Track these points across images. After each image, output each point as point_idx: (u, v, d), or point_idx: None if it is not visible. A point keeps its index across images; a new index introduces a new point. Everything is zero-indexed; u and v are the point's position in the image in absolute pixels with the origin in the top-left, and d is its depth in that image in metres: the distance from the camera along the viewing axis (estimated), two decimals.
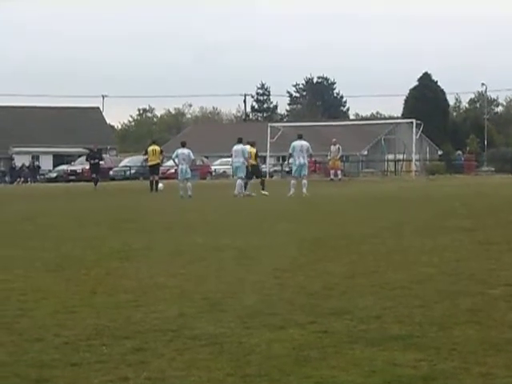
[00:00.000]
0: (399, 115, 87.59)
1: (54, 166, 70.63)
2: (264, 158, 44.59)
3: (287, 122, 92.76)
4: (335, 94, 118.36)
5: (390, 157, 64.64)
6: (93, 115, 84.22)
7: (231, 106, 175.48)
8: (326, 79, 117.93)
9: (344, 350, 5.99)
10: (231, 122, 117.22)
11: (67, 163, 67.72)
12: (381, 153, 67.26)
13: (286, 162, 54.90)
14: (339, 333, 6.54)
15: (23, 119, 78.67)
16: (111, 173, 59.00)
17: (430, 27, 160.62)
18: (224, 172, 58.32)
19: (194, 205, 24.54)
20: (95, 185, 38.48)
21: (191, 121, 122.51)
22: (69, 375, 5.57)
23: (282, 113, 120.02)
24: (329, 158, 45.91)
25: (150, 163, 35.28)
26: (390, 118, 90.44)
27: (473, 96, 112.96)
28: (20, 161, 69.02)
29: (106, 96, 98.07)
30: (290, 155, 29.70)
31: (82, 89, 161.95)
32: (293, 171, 30.07)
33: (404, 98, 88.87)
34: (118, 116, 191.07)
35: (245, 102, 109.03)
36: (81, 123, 79.95)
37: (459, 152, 66.74)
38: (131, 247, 12.58)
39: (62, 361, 5.88)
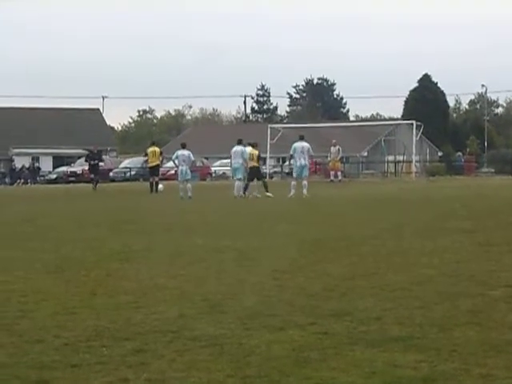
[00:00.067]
0: (399, 116, 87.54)
1: (54, 167, 70.60)
2: (264, 160, 44.48)
3: (287, 123, 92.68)
4: (335, 96, 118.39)
5: (390, 158, 64.63)
6: (93, 116, 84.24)
7: (231, 108, 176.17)
8: (326, 80, 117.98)
9: (344, 352, 5.99)
10: (231, 123, 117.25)
11: (67, 164, 67.69)
12: (381, 154, 67.26)
13: (286, 163, 54.93)
14: (339, 334, 6.54)
15: (23, 120, 78.68)
16: (111, 174, 58.98)
17: (430, 29, 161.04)
18: (224, 173, 58.28)
19: (194, 206, 24.54)
20: (95, 186, 38.44)
21: (191, 122, 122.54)
22: (69, 376, 5.57)
23: (282, 114, 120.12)
24: (329, 159, 45.90)
25: (149, 164, 35.29)
26: (390, 119, 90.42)
27: (473, 97, 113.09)
28: (20, 162, 68.98)
29: (106, 97, 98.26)
30: (291, 156, 29.72)
31: (82, 90, 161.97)
32: (293, 172, 30.08)
33: (404, 99, 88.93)
34: (118, 117, 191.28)
35: (245, 103, 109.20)
36: (81, 124, 79.98)
37: (459, 153, 66.71)
38: (131, 248, 12.58)
39: (62, 362, 5.88)
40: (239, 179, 29.50)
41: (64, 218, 19.83)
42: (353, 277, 9.41)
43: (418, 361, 5.69)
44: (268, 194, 28.43)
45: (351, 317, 7.14)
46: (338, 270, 9.90)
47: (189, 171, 30.35)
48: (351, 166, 64.41)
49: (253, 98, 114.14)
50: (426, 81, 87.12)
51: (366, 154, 75.39)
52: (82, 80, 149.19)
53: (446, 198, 25.28)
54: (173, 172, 43.60)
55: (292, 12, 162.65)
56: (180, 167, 30.23)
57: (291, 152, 29.60)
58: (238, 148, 29.99)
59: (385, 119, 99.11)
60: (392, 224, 16.04)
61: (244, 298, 8.16)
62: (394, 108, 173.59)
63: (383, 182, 46.95)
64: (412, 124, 55.66)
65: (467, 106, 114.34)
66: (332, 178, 44.24)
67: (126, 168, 62.14)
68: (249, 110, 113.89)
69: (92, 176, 40.10)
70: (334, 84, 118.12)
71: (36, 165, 69.48)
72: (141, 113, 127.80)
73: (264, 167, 46.81)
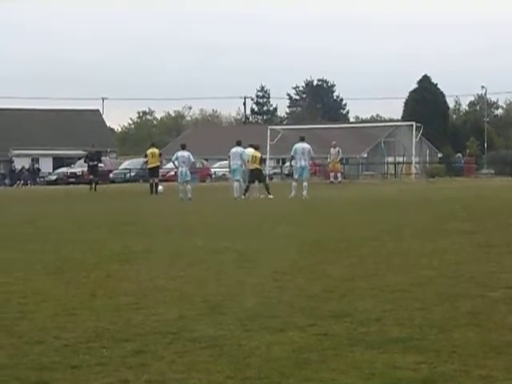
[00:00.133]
0: (399, 118, 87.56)
1: (54, 168, 70.62)
2: (264, 161, 44.51)
3: (287, 124, 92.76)
4: (335, 97, 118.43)
5: (390, 159, 64.66)
6: (93, 118, 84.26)
7: (231, 109, 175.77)
8: (326, 82, 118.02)
9: (344, 353, 5.99)
10: (231, 124, 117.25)
11: (67, 166, 67.71)
12: (381, 155, 67.28)
13: (285, 165, 54.95)
14: (339, 335, 6.54)
15: (23, 122, 78.69)
16: (111, 175, 59.00)
17: (430, 30, 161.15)
18: (224, 175, 58.26)
19: (194, 207, 24.54)
20: (94, 188, 38.40)
21: (191, 123, 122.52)
22: (69, 378, 5.57)
23: (282, 115, 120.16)
24: (329, 160, 45.91)
25: (149, 166, 35.30)
26: (390, 120, 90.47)
27: (473, 99, 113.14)
28: (20, 163, 69.01)
29: (106, 98, 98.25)
30: (292, 157, 29.74)
31: (82, 91, 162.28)
32: (294, 173, 30.11)
33: (404, 100, 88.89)
34: (117, 119, 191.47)
35: (244, 104, 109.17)
36: (81, 126, 79.99)
37: (459, 155, 66.68)
38: (131, 250, 12.59)
39: (62, 363, 5.88)
40: (238, 180, 29.52)
41: (64, 220, 19.82)
42: (353, 278, 9.41)
43: (417, 362, 5.70)
44: (269, 196, 28.42)
45: (351, 318, 7.15)
46: (338, 272, 9.90)
47: (188, 172, 30.34)
48: (351, 168, 64.38)
49: (252, 99, 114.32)
50: (425, 82, 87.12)
51: (365, 155, 75.40)
52: (82, 81, 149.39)
53: (446, 199, 25.28)
54: (172, 173, 43.61)
55: (292, 13, 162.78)
56: (180, 168, 30.22)
57: (292, 153, 29.63)
58: (237, 149, 30.00)
59: (385, 120, 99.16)
60: (392, 225, 16.05)
61: (244, 300, 8.16)
62: (393, 109, 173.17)
63: (383, 183, 46.96)
64: (412, 125, 55.68)
65: (467, 108, 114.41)
66: (332, 179, 44.25)
67: (126, 169, 62.15)
68: (248, 112, 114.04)
69: (91, 177, 40.10)
70: (333, 85, 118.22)
71: (36, 166, 69.52)
72: (140, 114, 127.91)
73: (264, 168, 46.77)
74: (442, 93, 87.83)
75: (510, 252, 11.44)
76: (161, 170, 38.17)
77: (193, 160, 32.04)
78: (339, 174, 45.43)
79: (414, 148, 54.06)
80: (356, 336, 6.51)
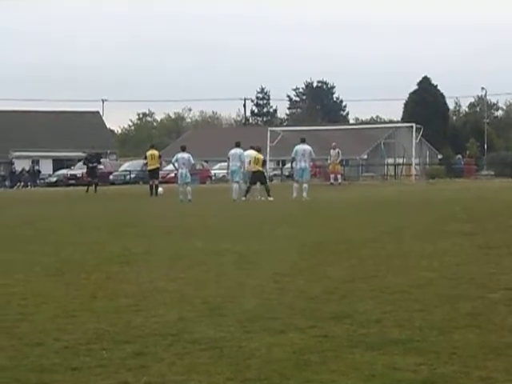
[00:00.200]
0: (399, 119, 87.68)
1: (54, 170, 70.69)
2: (264, 162, 44.54)
3: (287, 126, 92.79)
4: (335, 98, 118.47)
5: (390, 161, 64.69)
6: (93, 119, 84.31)
7: (231, 111, 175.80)
8: (326, 83, 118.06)
9: (344, 354, 5.99)
10: (231, 126, 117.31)
11: (67, 167, 67.76)
12: (380, 157, 67.30)
13: (286, 166, 54.93)
14: (339, 337, 6.54)
15: (23, 123, 78.72)
16: (111, 177, 59.04)
17: (430, 31, 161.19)
18: (224, 176, 58.25)
19: (194, 209, 24.54)
20: (95, 189, 38.32)
21: (191, 125, 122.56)
22: (69, 380, 5.57)
23: (282, 117, 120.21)
24: (329, 162, 45.94)
25: (149, 168, 35.30)
26: (390, 122, 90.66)
27: (472, 100, 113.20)
28: (20, 165, 69.06)
29: (106, 100, 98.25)
30: (293, 159, 29.76)
31: (82, 93, 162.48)
32: (294, 175, 30.13)
33: (404, 102, 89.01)
34: (117, 120, 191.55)
35: (244, 106, 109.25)
36: (81, 127, 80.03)
37: (459, 156, 66.72)
38: (131, 252, 12.59)
39: (63, 365, 5.89)
40: (237, 182, 29.53)
41: (64, 221, 19.83)
42: (353, 280, 9.41)
43: (417, 364, 5.70)
44: (269, 198, 28.45)
45: (351, 319, 7.15)
46: (338, 273, 9.90)
47: (189, 174, 30.35)
48: (351, 169, 64.41)
49: (252, 100, 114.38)
50: (425, 83, 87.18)
51: (365, 156, 75.42)
52: (82, 83, 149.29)
53: (446, 200, 25.28)
54: (172, 175, 43.60)
55: (292, 14, 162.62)
56: (180, 170, 30.23)
57: (293, 154, 29.68)
58: (236, 150, 30.03)
59: (384, 122, 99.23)
60: (392, 227, 16.05)
61: (244, 301, 8.16)
62: (393, 111, 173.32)
63: (383, 184, 46.96)
64: (412, 127, 55.75)
65: (467, 109, 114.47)
66: (332, 180, 44.26)
67: (126, 171, 62.17)
68: (248, 113, 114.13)
69: (89, 179, 40.06)
70: (333, 87, 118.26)
71: (36, 168, 69.53)
72: (140, 116, 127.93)
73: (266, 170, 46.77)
74: (441, 94, 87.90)
75: (510, 253, 11.44)
76: (161, 172, 38.18)
77: (193, 162, 32.04)
78: (339, 176, 45.45)
79: (413, 149, 54.12)
80: (356, 337, 6.51)
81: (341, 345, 6.28)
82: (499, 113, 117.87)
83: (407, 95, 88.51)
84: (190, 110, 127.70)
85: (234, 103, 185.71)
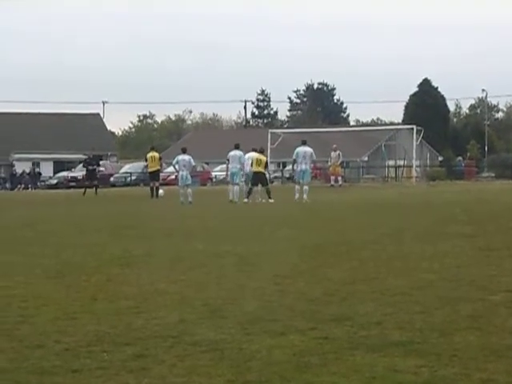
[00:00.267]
0: (400, 121, 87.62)
1: (55, 172, 70.68)
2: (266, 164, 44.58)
3: (287, 128, 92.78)
4: (335, 100, 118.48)
5: (391, 163, 64.58)
6: (93, 121, 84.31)
7: (232, 113, 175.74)
8: (326, 85, 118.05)
9: (345, 356, 5.99)
10: (231, 128, 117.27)
11: (68, 170, 67.76)
12: (381, 159, 67.25)
13: (286, 168, 54.92)
14: (340, 339, 6.54)
15: (24, 126, 78.76)
16: (112, 179, 59.03)
17: (431, 33, 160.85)
18: (224, 178, 58.29)
19: (195, 211, 24.54)
20: (95, 191, 38.31)
21: (191, 127, 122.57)
22: (69, 382, 5.57)
23: (283, 119, 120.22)
24: (329, 164, 45.94)
25: (149, 170, 35.31)
26: (391, 124, 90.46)
27: (473, 102, 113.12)
28: (21, 167, 69.05)
29: (107, 102, 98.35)
30: (294, 161, 29.76)
31: (83, 95, 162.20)
32: (295, 177, 30.13)
33: (404, 104, 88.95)
34: (118, 122, 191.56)
35: (245, 108, 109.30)
36: (81, 129, 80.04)
37: (460, 158, 66.74)
38: (132, 254, 12.59)
39: (63, 367, 5.88)
40: (237, 184, 29.52)
41: (64, 223, 19.83)
42: (353, 281, 9.41)
43: (418, 366, 5.69)
44: (270, 200, 28.45)
45: (352, 321, 7.15)
46: (339, 275, 9.90)
47: (189, 176, 30.36)
48: (351, 171, 64.33)
49: (253, 102, 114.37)
50: (426, 85, 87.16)
51: (366, 158, 75.35)
52: (83, 85, 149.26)
53: (447, 202, 25.27)
54: (173, 177, 43.61)
55: (292, 14, 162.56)
56: (180, 172, 30.24)
57: (294, 156, 29.68)
58: (235, 152, 30.04)
59: (385, 124, 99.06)
60: (392, 229, 16.05)
61: (244, 303, 8.16)
62: (394, 113, 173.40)
63: (384, 186, 46.94)
64: (412, 129, 55.71)
65: (467, 111, 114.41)
66: (332, 182, 44.26)
67: (127, 173, 62.16)
68: (249, 115, 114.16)
69: (87, 182, 40.02)
70: (334, 89, 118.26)
71: (36, 170, 69.50)
72: (141, 118, 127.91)
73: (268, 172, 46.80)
74: (442, 96, 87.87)
75: (511, 255, 11.43)
76: (161, 174, 38.17)
77: (193, 164, 32.04)
78: (340, 178, 45.45)
79: (414, 151, 54.08)
80: (357, 339, 6.51)
81: (341, 347, 6.28)
82: (500, 115, 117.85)
83: (408, 97, 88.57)
84: (190, 111, 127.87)
85: (235, 105, 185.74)
